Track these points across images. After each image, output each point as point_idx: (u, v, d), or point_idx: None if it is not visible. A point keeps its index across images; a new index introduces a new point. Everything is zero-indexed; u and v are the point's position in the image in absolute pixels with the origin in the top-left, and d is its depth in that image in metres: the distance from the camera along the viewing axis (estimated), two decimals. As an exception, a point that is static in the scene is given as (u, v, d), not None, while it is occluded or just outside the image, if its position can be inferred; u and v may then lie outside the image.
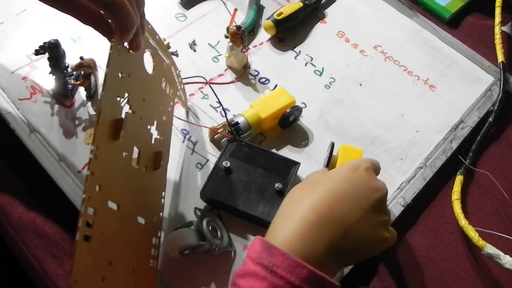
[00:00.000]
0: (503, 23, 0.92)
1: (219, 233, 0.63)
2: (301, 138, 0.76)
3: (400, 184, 0.73)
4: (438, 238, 0.71)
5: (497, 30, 0.90)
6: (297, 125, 0.77)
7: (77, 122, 0.75)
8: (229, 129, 0.71)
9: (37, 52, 0.72)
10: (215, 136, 0.74)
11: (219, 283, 0.63)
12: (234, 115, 0.74)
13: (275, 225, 0.54)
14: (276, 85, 0.81)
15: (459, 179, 0.74)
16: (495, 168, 0.77)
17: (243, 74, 0.82)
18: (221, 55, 0.84)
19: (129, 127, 0.56)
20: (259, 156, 0.70)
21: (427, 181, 0.73)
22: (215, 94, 0.75)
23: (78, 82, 0.74)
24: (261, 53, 0.86)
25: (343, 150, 0.70)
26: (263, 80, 0.82)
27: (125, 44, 0.56)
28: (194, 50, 0.84)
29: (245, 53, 0.81)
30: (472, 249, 0.69)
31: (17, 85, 0.78)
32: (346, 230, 0.52)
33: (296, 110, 0.75)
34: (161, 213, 0.65)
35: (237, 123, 0.71)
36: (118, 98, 0.55)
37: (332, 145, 0.70)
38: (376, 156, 0.75)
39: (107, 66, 0.51)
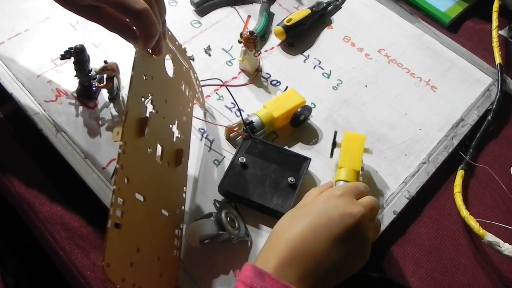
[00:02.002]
0: (500, 27, 0.95)
1: (236, 224, 0.67)
2: (311, 136, 0.80)
3: (404, 178, 0.76)
4: (441, 228, 0.74)
5: (494, 33, 0.93)
6: (307, 124, 0.80)
7: (100, 122, 0.78)
8: (244, 128, 0.75)
9: (62, 57, 0.75)
10: (231, 134, 0.77)
11: (238, 269, 0.66)
12: (248, 114, 0.77)
13: (262, 254, 0.57)
14: (286, 87, 0.85)
15: (460, 173, 0.77)
16: (494, 163, 0.79)
17: (256, 77, 0.85)
18: (234, 59, 0.88)
19: (153, 125, 0.60)
20: (272, 152, 0.74)
21: (430, 176, 0.76)
22: (231, 95, 0.79)
23: (102, 84, 0.77)
24: (272, 57, 0.89)
25: (346, 136, 0.74)
26: (275, 82, 0.85)
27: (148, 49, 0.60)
28: (209, 55, 0.88)
29: (258, 57, 0.84)
30: (473, 239, 0.72)
31: (43, 88, 0.81)
32: (319, 260, 0.55)
33: (306, 110, 0.78)
34: (183, 206, 0.69)
35: (251, 122, 0.75)
36: (143, 99, 0.58)
37: (335, 133, 0.74)
38: (381, 152, 0.78)
39: (133, 69, 0.55)
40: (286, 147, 0.77)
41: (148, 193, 0.58)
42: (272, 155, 0.74)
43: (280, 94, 0.82)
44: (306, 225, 0.57)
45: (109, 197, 0.69)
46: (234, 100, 0.79)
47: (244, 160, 0.72)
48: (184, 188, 0.70)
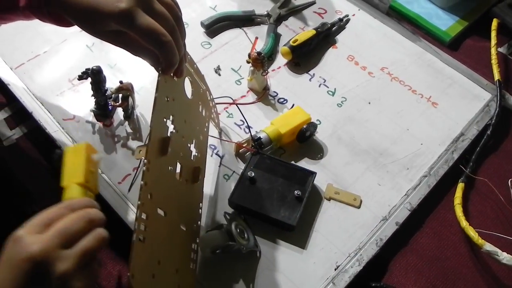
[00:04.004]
0: (499, 44, 0.98)
1: (246, 235, 0.70)
2: (316, 151, 0.82)
3: (407, 191, 0.78)
4: (442, 239, 0.76)
5: (493, 51, 0.95)
6: (313, 140, 0.83)
7: (116, 139, 0.82)
8: (253, 144, 0.78)
9: (80, 78, 0.78)
10: (240, 150, 0.81)
11: (247, 280, 0.69)
12: (256, 131, 0.80)
13: None
14: (293, 105, 0.87)
15: (460, 186, 0.79)
16: (493, 176, 0.81)
17: (264, 95, 0.89)
18: (243, 78, 0.91)
19: (173, 145, 0.63)
20: (279, 167, 0.77)
21: (431, 188, 0.78)
22: (241, 113, 0.82)
23: (118, 103, 0.81)
24: (279, 76, 0.92)
25: (66, 151, 0.64)
26: (282, 100, 0.89)
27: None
28: (219, 74, 0.92)
29: (265, 76, 0.87)
30: (473, 248, 0.74)
31: (61, 107, 0.85)
32: None
33: (311, 126, 0.81)
34: (199, 222, 0.72)
35: (259, 138, 0.78)
36: (165, 119, 0.61)
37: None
38: (384, 166, 0.81)
39: (156, 91, 0.58)
40: (292, 162, 0.80)
41: (168, 209, 0.61)
42: (280, 170, 0.77)
43: (287, 111, 0.85)
44: None
45: (125, 210, 0.73)
46: (244, 118, 0.82)
47: (253, 174, 0.75)
48: (200, 204, 0.73)
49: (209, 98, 0.79)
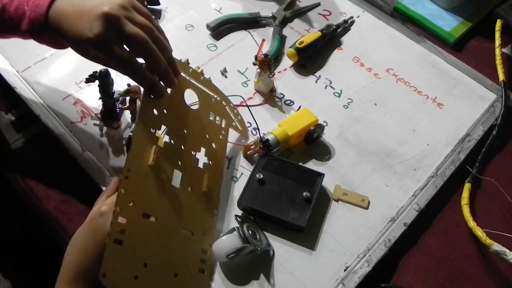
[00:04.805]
0: (503, 45, 0.98)
1: (258, 236, 0.70)
2: (324, 153, 0.83)
3: (414, 191, 0.78)
4: (450, 239, 0.76)
5: (497, 52, 0.96)
6: (320, 141, 0.84)
7: (123, 142, 0.82)
8: (261, 146, 0.79)
9: (88, 80, 0.79)
10: (248, 152, 0.81)
11: (262, 280, 0.70)
12: (263, 133, 0.81)
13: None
14: (299, 106, 0.88)
15: (467, 186, 0.79)
16: (499, 176, 0.82)
17: (270, 97, 0.89)
18: (249, 80, 0.91)
19: (167, 154, 0.66)
20: (288, 168, 0.77)
21: (438, 189, 0.79)
22: (252, 114, 0.82)
23: (126, 106, 0.82)
24: (286, 78, 0.93)
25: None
26: (288, 102, 0.89)
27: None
28: (225, 77, 0.92)
29: (272, 78, 0.87)
30: (481, 248, 0.75)
31: (68, 110, 0.86)
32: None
33: (319, 128, 0.81)
34: (212, 227, 0.71)
35: (267, 140, 0.78)
36: (152, 130, 0.65)
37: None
38: (391, 167, 0.81)
39: (141, 104, 0.64)
40: (300, 163, 0.80)
41: (160, 214, 0.63)
42: (288, 171, 0.77)
43: (294, 113, 0.85)
44: (78, 248, 0.62)
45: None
46: (254, 119, 0.82)
47: (261, 176, 0.76)
48: (215, 211, 0.73)
49: (227, 107, 0.80)
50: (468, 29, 1.03)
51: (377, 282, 0.71)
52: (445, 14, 1.05)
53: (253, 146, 0.80)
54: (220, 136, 0.78)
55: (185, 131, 0.71)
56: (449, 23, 1.03)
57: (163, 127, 0.68)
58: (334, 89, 0.92)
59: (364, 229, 0.75)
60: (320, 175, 0.77)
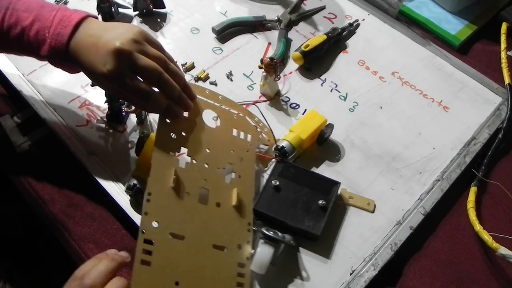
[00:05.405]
0: (508, 48, 0.98)
1: (278, 233, 0.69)
2: (334, 153, 0.83)
3: (420, 195, 0.78)
4: (456, 243, 0.76)
5: (503, 55, 0.96)
6: (330, 140, 0.84)
7: (129, 145, 0.82)
8: (276, 154, 0.78)
9: (93, 83, 0.79)
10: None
11: (290, 278, 0.70)
12: (278, 139, 0.80)
13: None
14: (305, 110, 0.88)
15: (473, 190, 0.79)
16: (505, 179, 0.81)
17: (274, 99, 0.89)
18: (255, 83, 0.91)
19: (190, 174, 0.68)
20: (304, 176, 0.77)
21: (444, 192, 0.79)
22: (264, 117, 0.83)
23: (132, 109, 0.82)
24: (291, 81, 0.93)
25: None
26: (294, 105, 0.89)
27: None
28: (231, 80, 0.92)
29: (277, 81, 0.88)
30: (487, 252, 0.75)
31: (74, 113, 0.86)
32: None
33: (329, 128, 0.82)
34: (248, 241, 0.70)
35: (282, 147, 0.78)
36: (171, 153, 0.68)
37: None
38: (397, 171, 0.81)
39: (157, 131, 0.68)
40: (313, 167, 0.80)
41: (189, 233, 0.64)
42: (304, 179, 0.76)
43: (302, 117, 0.84)
44: None
45: (139, 216, 0.73)
46: (266, 121, 0.82)
47: (277, 183, 0.75)
48: (249, 223, 0.72)
49: (252, 121, 0.81)
50: (474, 32, 1.03)
51: (383, 286, 0.71)
52: (450, 17, 1.05)
53: (266, 153, 0.81)
54: (247, 151, 0.78)
55: (207, 150, 0.72)
56: (454, 26, 1.03)
57: (183, 149, 0.71)
58: (339, 92, 0.92)
59: (370, 232, 0.75)
60: (336, 184, 0.76)
